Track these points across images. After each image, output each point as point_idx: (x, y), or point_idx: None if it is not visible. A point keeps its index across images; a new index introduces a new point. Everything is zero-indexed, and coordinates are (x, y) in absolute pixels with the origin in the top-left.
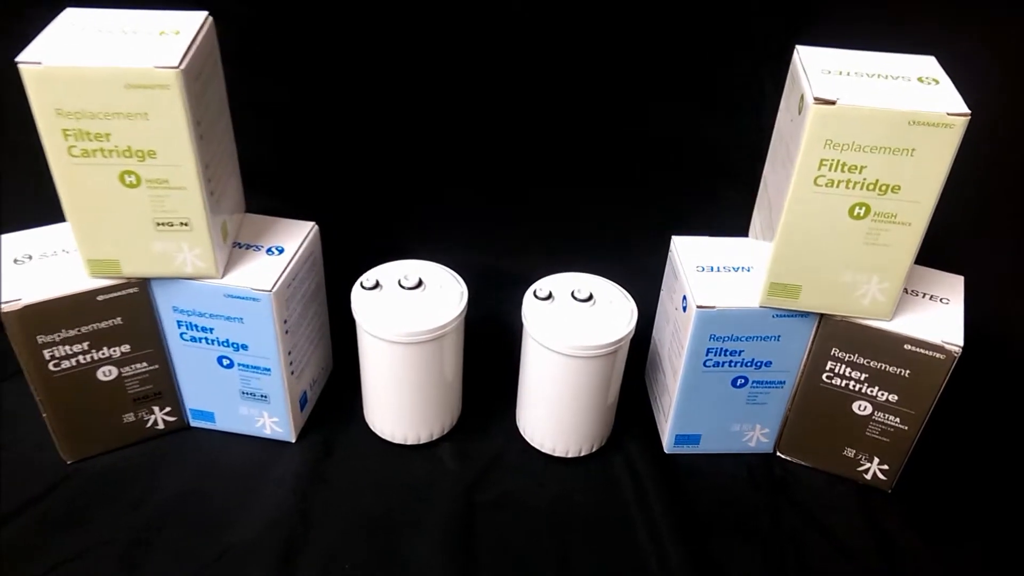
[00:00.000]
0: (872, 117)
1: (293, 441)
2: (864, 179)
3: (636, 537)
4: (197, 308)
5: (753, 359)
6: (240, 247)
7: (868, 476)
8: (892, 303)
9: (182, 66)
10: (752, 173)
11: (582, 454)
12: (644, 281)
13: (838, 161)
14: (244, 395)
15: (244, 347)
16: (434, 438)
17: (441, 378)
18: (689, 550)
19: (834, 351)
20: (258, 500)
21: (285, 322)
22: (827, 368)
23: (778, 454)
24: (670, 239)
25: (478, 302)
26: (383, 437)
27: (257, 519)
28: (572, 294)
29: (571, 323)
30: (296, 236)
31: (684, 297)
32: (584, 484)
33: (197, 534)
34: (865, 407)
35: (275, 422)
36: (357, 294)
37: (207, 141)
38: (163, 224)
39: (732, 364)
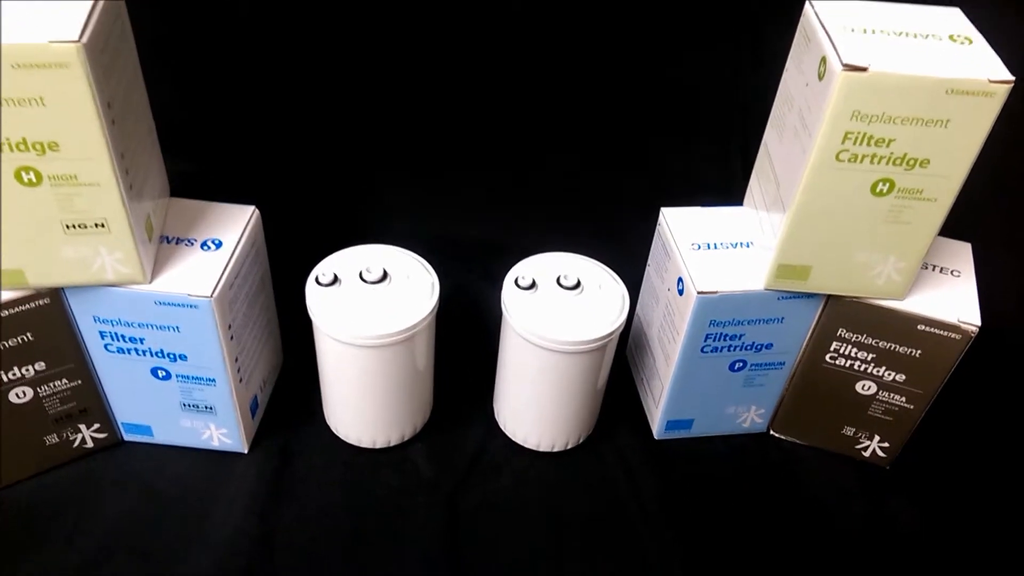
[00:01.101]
0: (907, 86)
1: (245, 452)
2: (891, 153)
3: (634, 535)
4: (123, 317)
5: (754, 342)
6: (169, 242)
7: (867, 453)
8: (908, 283)
9: (84, 39)
10: (732, 126)
11: (568, 447)
12: (627, 249)
13: (864, 134)
14: (186, 407)
15: (183, 357)
16: (405, 439)
17: (412, 378)
18: (690, 545)
19: (841, 332)
20: (211, 524)
21: (229, 327)
22: (831, 349)
23: (772, 433)
24: (650, 198)
25: (446, 277)
26: (347, 441)
27: (212, 546)
28: (558, 281)
29: (557, 315)
30: (235, 224)
31: (680, 280)
32: (573, 481)
33: (144, 569)
34: (869, 387)
35: (223, 434)
36: (313, 291)
37: (121, 125)
38: (75, 226)
39: (731, 348)
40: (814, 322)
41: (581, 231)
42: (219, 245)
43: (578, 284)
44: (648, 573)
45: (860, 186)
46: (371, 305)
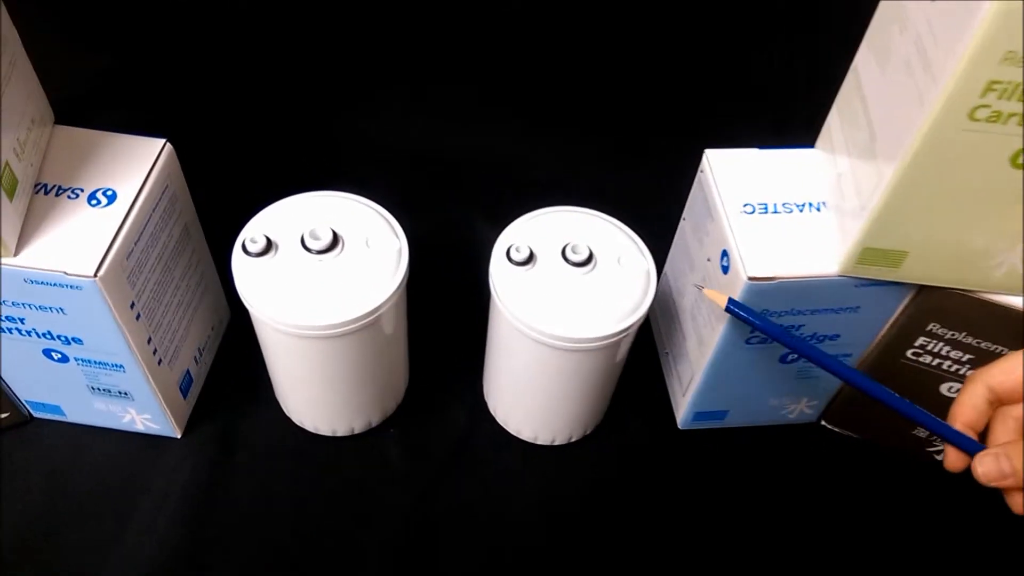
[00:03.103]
0: None
1: (178, 436)
2: None
3: (644, 554)
4: None
5: (815, 333)
6: (47, 192)
7: (940, 457)
8: None
9: None
10: (802, 41)
11: (572, 440)
12: (673, 187)
13: (1017, 86)
14: (96, 391)
15: (77, 341)
16: (373, 425)
17: (375, 365)
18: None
19: (932, 327)
20: (130, 529)
21: (132, 305)
22: (916, 344)
23: (823, 423)
24: (708, 121)
25: (429, 213)
26: (302, 426)
27: (129, 559)
28: (563, 253)
29: (559, 301)
30: (137, 166)
31: (725, 253)
32: (576, 482)
33: None
34: (958, 390)
35: (147, 419)
36: (241, 263)
37: None
38: None
39: None
40: (898, 312)
41: (614, 159)
42: (112, 198)
43: (590, 259)
44: None
45: (997, 155)
46: (316, 282)
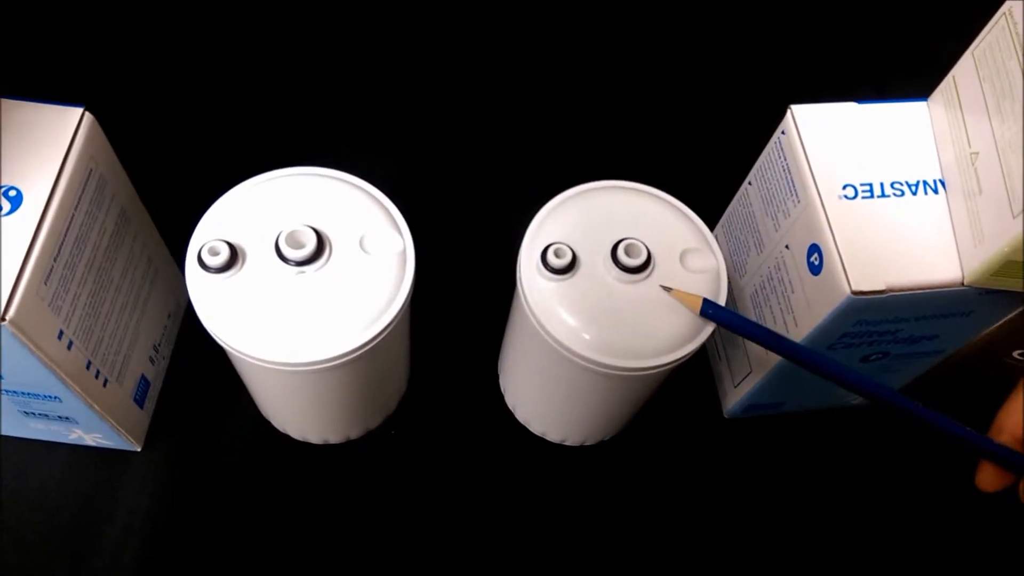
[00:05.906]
0: None
1: (139, 450)
2: None
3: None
4: None
5: (912, 335)
6: None
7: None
8: None
9: None
10: None
11: (606, 438)
12: (710, 146)
13: None
14: (32, 415)
15: None
16: (371, 429)
17: (376, 382)
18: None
19: None
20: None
21: (61, 335)
22: None
23: None
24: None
25: (426, 196)
26: (286, 433)
27: None
28: (614, 255)
29: (609, 317)
30: (48, 149)
31: (816, 249)
32: (605, 483)
33: None
34: None
35: (98, 437)
36: (198, 281)
37: None
38: None
39: (874, 343)
40: (1013, 314)
41: (666, 112)
42: (17, 201)
43: (647, 262)
44: None
45: None
46: (297, 304)
